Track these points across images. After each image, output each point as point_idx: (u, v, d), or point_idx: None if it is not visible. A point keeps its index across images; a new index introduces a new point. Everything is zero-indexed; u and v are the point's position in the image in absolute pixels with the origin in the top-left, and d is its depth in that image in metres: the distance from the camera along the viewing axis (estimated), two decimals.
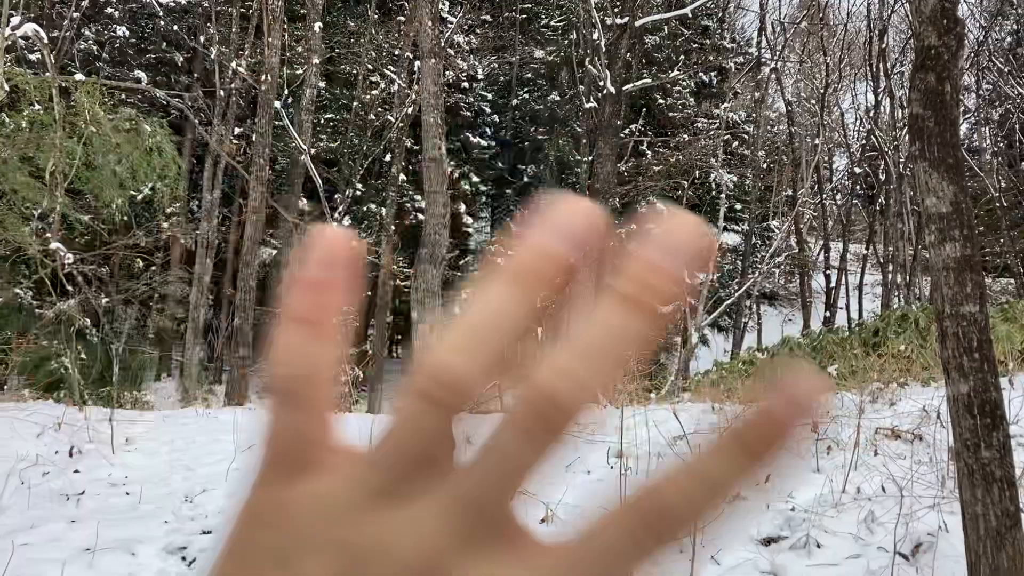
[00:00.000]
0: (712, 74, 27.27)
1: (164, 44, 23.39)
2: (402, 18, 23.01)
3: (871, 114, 25.63)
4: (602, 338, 0.26)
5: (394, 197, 22.46)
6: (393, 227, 22.37)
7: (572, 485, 6.06)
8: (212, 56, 19.78)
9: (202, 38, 21.51)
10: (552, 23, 27.05)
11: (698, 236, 0.26)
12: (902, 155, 22.84)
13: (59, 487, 6.07)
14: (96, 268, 15.42)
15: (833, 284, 26.19)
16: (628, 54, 18.05)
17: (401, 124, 21.08)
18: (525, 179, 27.56)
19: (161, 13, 22.59)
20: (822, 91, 25.06)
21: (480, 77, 28.36)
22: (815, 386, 0.27)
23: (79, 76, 11.56)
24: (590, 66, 17.82)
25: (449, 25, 16.49)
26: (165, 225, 18.59)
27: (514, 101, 27.83)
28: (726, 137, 22.43)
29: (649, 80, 19.96)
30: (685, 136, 23.26)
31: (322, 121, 23.02)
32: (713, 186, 22.26)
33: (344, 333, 0.29)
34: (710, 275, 18.57)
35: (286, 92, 18.51)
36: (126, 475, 6.58)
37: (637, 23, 17.17)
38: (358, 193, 22.05)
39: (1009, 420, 4.30)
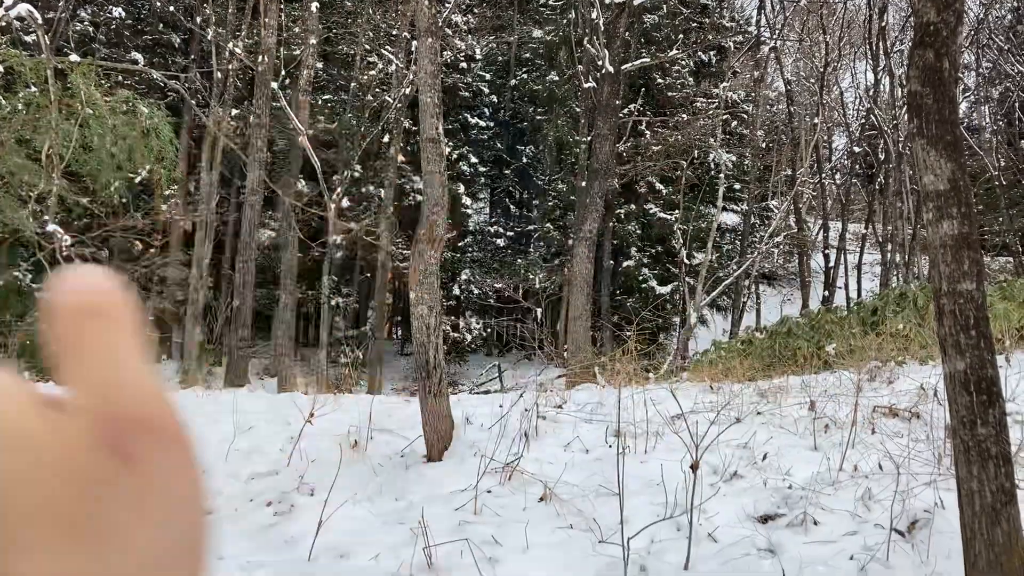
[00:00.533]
0: (711, 53, 27.11)
1: (161, 25, 23.26)
2: None
3: (871, 93, 25.54)
4: None
5: (393, 178, 22.41)
6: (392, 208, 22.33)
7: (571, 464, 6.10)
8: (209, 37, 19.66)
9: (199, 19, 21.39)
10: (550, 2, 26.87)
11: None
12: (901, 134, 22.77)
13: None
14: (94, 251, 15.40)
15: (832, 264, 26.22)
16: (627, 33, 17.95)
17: (399, 105, 20.98)
18: (524, 159, 27.50)
19: None
20: (822, 70, 24.95)
21: (478, 57, 28.21)
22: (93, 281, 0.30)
23: (75, 57, 11.49)
24: (589, 46, 17.73)
25: (447, 4, 16.38)
26: (163, 207, 18.54)
27: (512, 81, 27.70)
28: (725, 117, 22.32)
29: (648, 59, 19.84)
30: (684, 116, 23.15)
31: (320, 102, 22.92)
32: (712, 166, 22.20)
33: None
34: (708, 256, 18.58)
35: (283, 73, 18.42)
36: None
37: (635, 2, 17.07)
38: (356, 174, 21.99)
39: (1006, 397, 4.31)
